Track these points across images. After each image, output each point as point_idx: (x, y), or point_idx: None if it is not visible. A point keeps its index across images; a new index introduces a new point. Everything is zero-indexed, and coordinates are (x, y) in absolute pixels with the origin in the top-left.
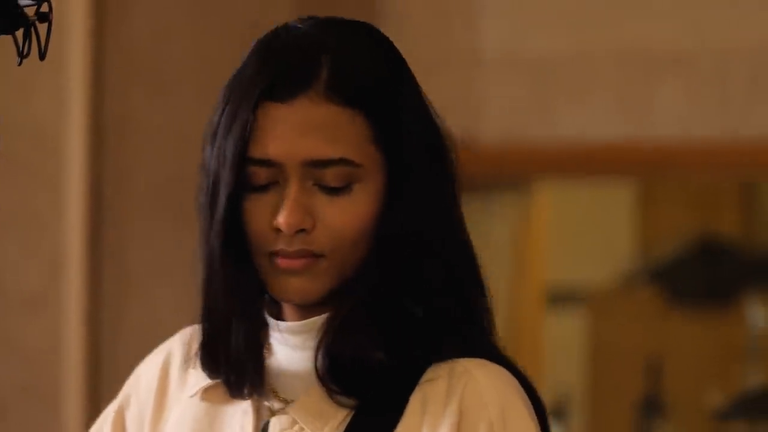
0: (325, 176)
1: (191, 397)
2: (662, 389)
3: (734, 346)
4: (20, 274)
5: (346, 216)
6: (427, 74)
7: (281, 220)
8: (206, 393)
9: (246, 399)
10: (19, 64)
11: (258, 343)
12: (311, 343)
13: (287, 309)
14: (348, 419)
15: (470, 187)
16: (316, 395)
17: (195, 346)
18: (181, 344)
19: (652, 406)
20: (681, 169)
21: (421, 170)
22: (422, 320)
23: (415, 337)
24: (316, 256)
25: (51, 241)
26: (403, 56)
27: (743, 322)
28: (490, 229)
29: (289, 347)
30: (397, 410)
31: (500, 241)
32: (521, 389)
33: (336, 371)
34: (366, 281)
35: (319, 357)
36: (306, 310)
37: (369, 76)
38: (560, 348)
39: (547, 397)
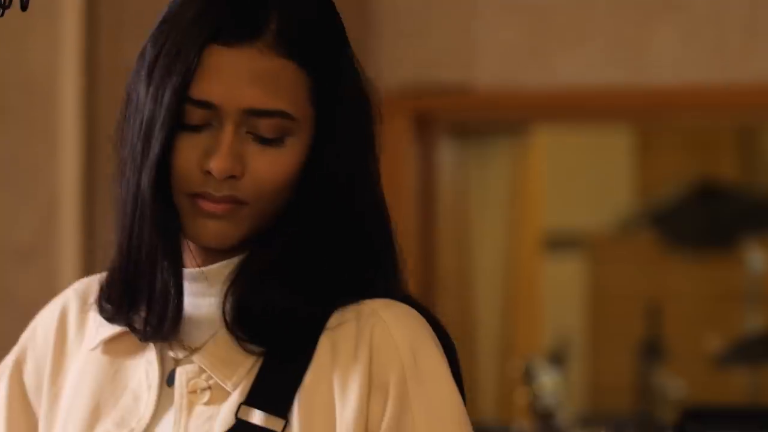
0: (261, 126)
1: (92, 350)
2: (662, 333)
3: (733, 290)
4: (14, 224)
5: (274, 168)
6: (425, 21)
7: (213, 164)
8: (107, 345)
9: (160, 341)
10: (1, 15)
11: (181, 283)
12: (214, 289)
13: (189, 256)
14: (256, 367)
15: (467, 133)
16: (222, 342)
17: (91, 297)
18: (76, 296)
19: (651, 350)
20: (678, 114)
21: (347, 130)
22: (331, 268)
23: (323, 284)
24: (239, 202)
25: (45, 191)
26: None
27: (742, 266)
28: (487, 175)
29: (191, 294)
30: (306, 356)
31: (497, 186)
32: (429, 328)
33: (244, 318)
34: (281, 231)
35: (228, 304)
36: (207, 257)
37: (315, 34)
38: (559, 293)
39: (546, 342)
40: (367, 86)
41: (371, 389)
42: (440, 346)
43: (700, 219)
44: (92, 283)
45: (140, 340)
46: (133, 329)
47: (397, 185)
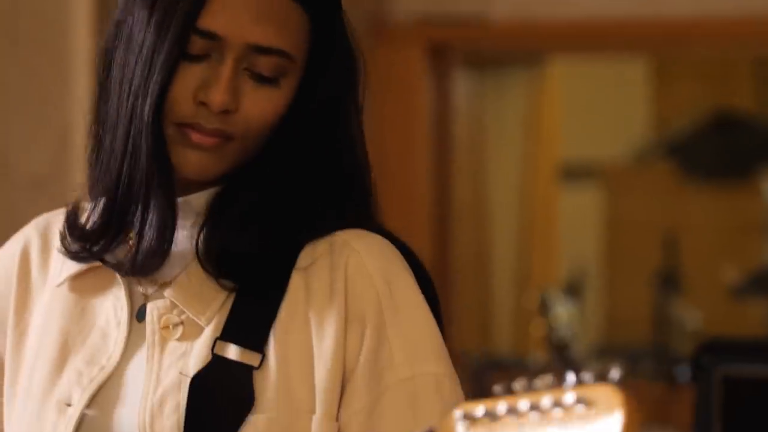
0: (260, 63)
1: (58, 286)
2: (679, 264)
3: (751, 221)
4: (27, 152)
5: (267, 106)
6: None
7: (212, 97)
8: (74, 282)
9: (142, 276)
10: None
11: (176, 214)
12: (187, 222)
13: None
14: (229, 302)
15: (482, 64)
16: (194, 277)
17: (53, 233)
18: (37, 233)
19: (668, 282)
20: (694, 45)
21: (336, 77)
22: (306, 205)
23: (296, 220)
24: (227, 137)
25: (57, 119)
26: None
27: (759, 197)
28: (503, 106)
29: None
30: (279, 291)
31: (513, 117)
32: (402, 258)
33: (216, 253)
34: (258, 167)
35: (201, 238)
36: (182, 188)
37: None
38: (576, 224)
39: (562, 273)
40: (355, 37)
41: (348, 322)
42: (413, 276)
43: (716, 150)
44: (52, 218)
45: (122, 274)
46: (112, 265)
47: (411, 116)
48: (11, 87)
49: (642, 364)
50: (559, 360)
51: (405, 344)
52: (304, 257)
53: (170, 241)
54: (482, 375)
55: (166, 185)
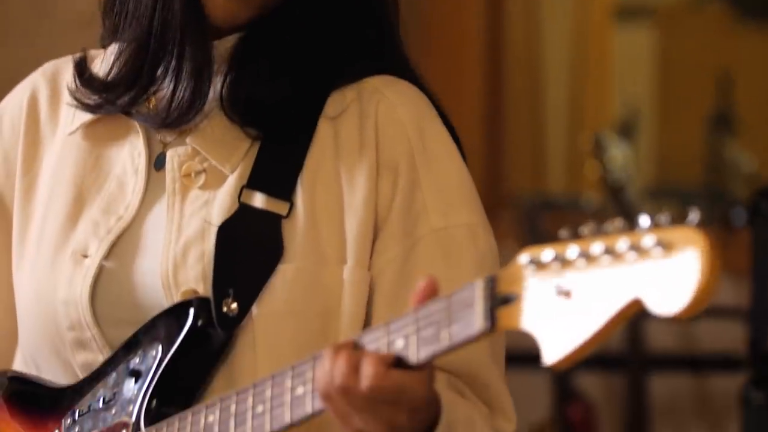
0: None
1: (70, 134)
2: (733, 105)
3: None
4: None
5: None
6: None
7: None
8: (87, 130)
9: (174, 127)
10: None
11: (212, 59)
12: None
13: None
14: (253, 151)
15: None
16: (217, 125)
17: (61, 80)
18: (45, 80)
19: (722, 123)
20: None
21: None
22: (332, 50)
23: (322, 66)
24: None
25: None
26: None
27: None
28: None
29: None
30: (305, 140)
31: None
32: (432, 106)
33: (241, 100)
34: (283, 13)
35: (226, 85)
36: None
37: None
38: (629, 63)
39: (616, 112)
40: None
41: (379, 170)
42: (443, 123)
43: None
44: (62, 65)
45: (155, 126)
46: (138, 117)
47: None
48: None
49: (695, 206)
50: (614, 202)
51: (438, 194)
52: (332, 105)
53: (207, 92)
54: (535, 215)
55: (201, 31)
